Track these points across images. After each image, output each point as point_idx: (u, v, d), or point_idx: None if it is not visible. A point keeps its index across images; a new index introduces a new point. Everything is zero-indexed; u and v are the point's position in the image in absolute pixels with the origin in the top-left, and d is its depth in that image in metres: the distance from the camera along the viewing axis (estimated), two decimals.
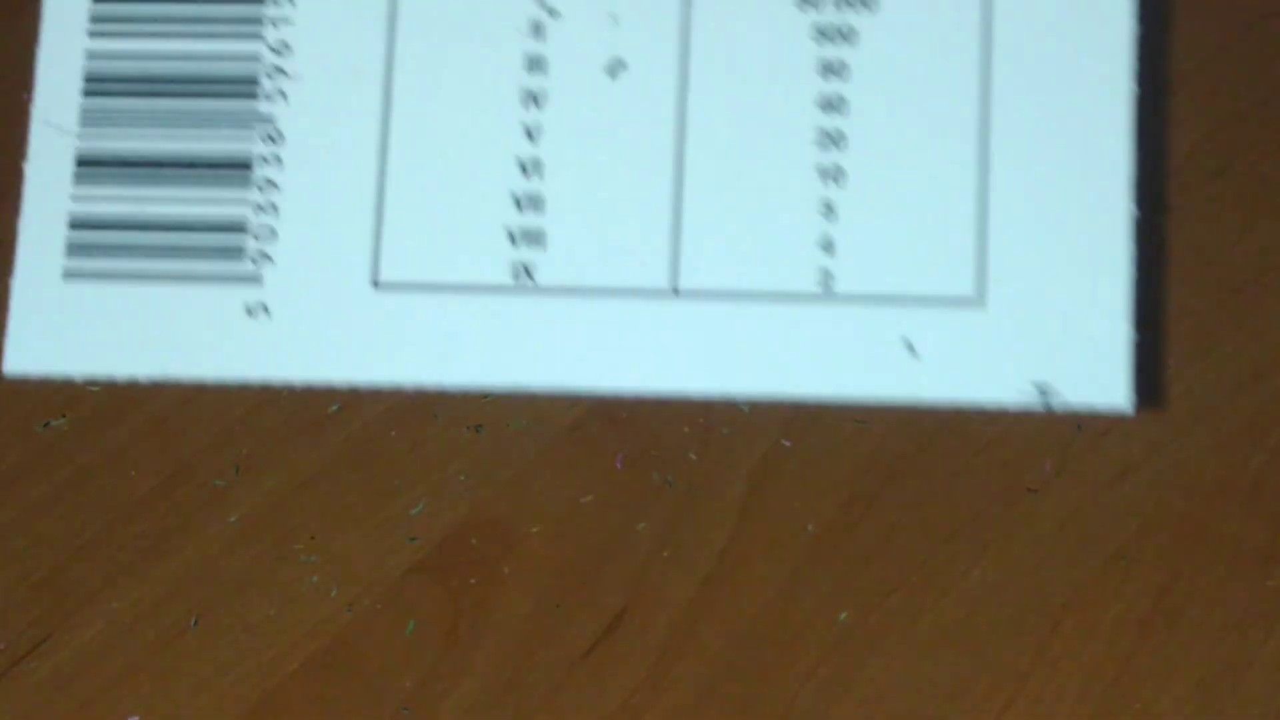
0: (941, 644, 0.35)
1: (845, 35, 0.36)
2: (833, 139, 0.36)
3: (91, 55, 0.38)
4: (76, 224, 0.37)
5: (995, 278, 0.35)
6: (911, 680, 0.35)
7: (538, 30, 0.37)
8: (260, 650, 0.37)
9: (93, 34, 0.38)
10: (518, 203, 0.37)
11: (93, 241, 0.37)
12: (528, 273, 0.36)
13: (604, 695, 0.36)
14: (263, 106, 0.37)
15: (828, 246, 0.36)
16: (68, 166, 0.37)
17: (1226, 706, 0.35)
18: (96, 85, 0.38)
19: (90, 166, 0.37)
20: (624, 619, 0.36)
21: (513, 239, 0.36)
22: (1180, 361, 0.35)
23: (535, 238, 0.36)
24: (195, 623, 0.37)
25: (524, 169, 0.37)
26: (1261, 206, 0.37)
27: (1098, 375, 0.35)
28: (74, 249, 0.37)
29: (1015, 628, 0.35)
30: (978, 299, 0.35)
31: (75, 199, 0.37)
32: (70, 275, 0.37)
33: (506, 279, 0.36)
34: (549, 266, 0.36)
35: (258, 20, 0.37)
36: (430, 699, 0.36)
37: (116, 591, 0.36)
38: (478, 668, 0.36)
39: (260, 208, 0.37)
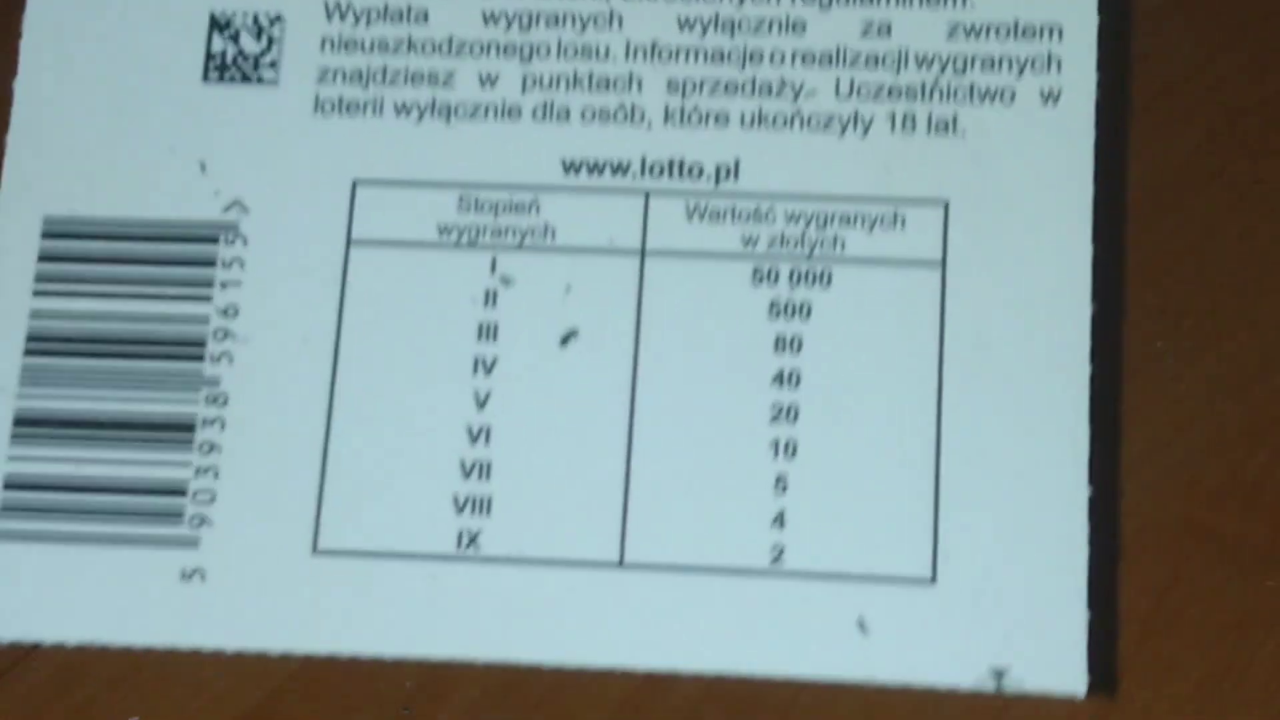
0: None
1: (800, 311, 0.36)
2: (786, 413, 0.36)
3: (35, 314, 0.37)
4: (11, 484, 0.36)
5: (949, 557, 0.35)
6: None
7: (490, 298, 0.37)
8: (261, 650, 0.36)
9: (38, 293, 0.37)
10: (465, 469, 0.36)
11: (27, 503, 0.36)
12: (472, 541, 0.35)
13: (604, 695, 0.35)
14: (208, 369, 0.37)
15: (779, 521, 0.35)
16: (4, 425, 0.37)
17: (1226, 706, 0.35)
18: (39, 344, 0.37)
19: (28, 426, 0.37)
20: None
21: (458, 506, 0.36)
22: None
23: (481, 505, 0.36)
24: None
25: (472, 436, 0.36)
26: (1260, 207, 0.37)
27: (1053, 660, 0.34)
28: (7, 509, 0.36)
29: None
30: (931, 579, 0.35)
31: (10, 459, 0.36)
32: (2, 536, 0.36)
33: (450, 547, 0.36)
34: (494, 535, 0.36)
35: (208, 283, 0.37)
36: (430, 699, 0.36)
37: None
38: (478, 668, 0.36)
39: (200, 470, 0.36)
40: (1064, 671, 0.34)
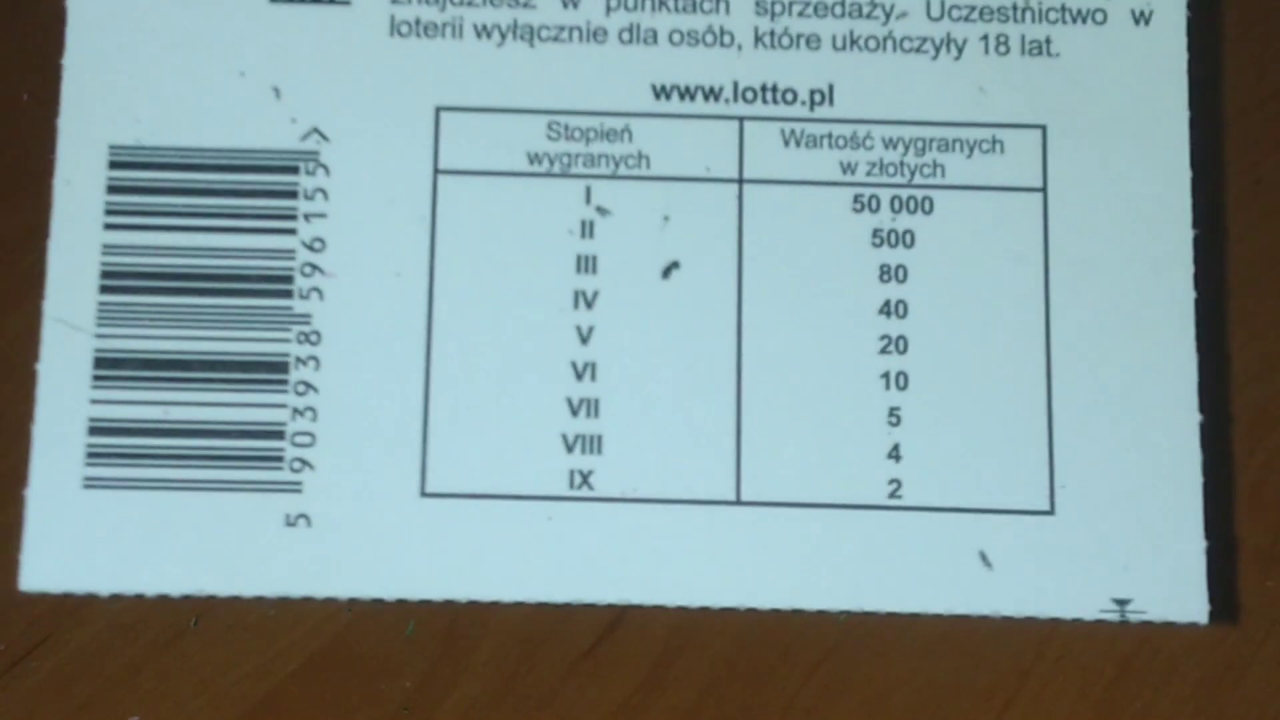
0: (941, 644, 0.35)
1: (903, 239, 0.36)
2: (895, 344, 0.35)
3: (108, 249, 0.35)
4: (97, 429, 0.35)
5: (1066, 488, 0.35)
6: (911, 680, 0.35)
7: (587, 229, 0.36)
8: (260, 650, 0.36)
9: (109, 226, 0.36)
10: (573, 408, 0.35)
11: (115, 448, 0.35)
12: (585, 480, 0.35)
13: (604, 695, 0.35)
14: (298, 305, 0.35)
15: (895, 455, 0.35)
16: (85, 367, 0.35)
17: (1226, 706, 0.35)
18: (115, 281, 0.35)
19: (110, 367, 0.35)
20: (624, 619, 0.36)
21: (568, 445, 0.35)
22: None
23: (592, 444, 0.35)
24: (195, 623, 0.36)
25: (577, 373, 0.35)
26: (1260, 207, 0.37)
27: (1174, 589, 0.35)
28: (94, 455, 0.35)
29: (1015, 627, 0.35)
30: (1050, 510, 0.35)
31: (94, 402, 0.35)
32: (91, 483, 0.35)
33: (563, 487, 0.35)
34: (607, 474, 0.35)
35: (291, 215, 0.36)
36: (430, 699, 0.36)
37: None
38: (478, 668, 0.36)
39: (298, 412, 0.35)
40: (1185, 600, 0.35)
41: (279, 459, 0.35)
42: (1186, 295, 0.36)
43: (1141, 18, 0.37)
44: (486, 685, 0.36)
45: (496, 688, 0.35)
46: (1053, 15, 0.37)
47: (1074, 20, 0.37)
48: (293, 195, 0.36)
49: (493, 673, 0.36)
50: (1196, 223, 0.36)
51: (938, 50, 0.37)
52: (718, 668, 0.35)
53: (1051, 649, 0.35)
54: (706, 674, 0.35)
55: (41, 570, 0.35)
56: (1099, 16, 0.37)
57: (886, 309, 0.36)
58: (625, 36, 0.37)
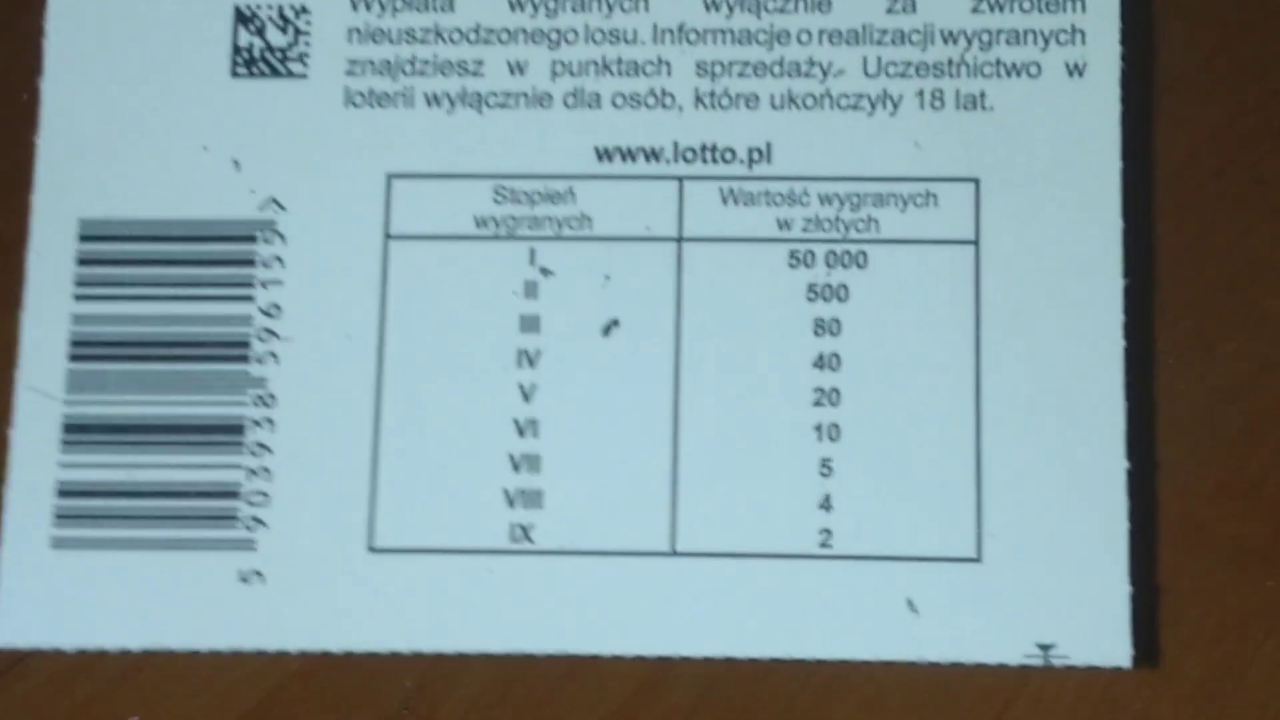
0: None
1: (837, 293, 0.37)
2: (828, 396, 0.36)
3: (77, 319, 0.37)
4: (65, 492, 0.37)
5: (993, 536, 0.36)
6: (912, 680, 0.36)
7: (531, 289, 0.37)
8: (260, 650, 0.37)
9: (79, 297, 0.37)
10: (514, 463, 0.36)
11: (82, 509, 0.37)
12: (526, 534, 0.36)
13: (604, 695, 0.36)
14: (254, 369, 0.37)
15: (826, 505, 0.36)
16: (54, 433, 0.37)
17: (1226, 706, 0.36)
18: (83, 349, 0.37)
19: (77, 432, 0.37)
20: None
21: (510, 500, 0.36)
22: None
23: (533, 499, 0.36)
24: None
25: (520, 429, 0.37)
26: (1261, 207, 0.38)
27: (1097, 634, 0.35)
28: (63, 517, 0.37)
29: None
30: (976, 558, 0.36)
31: (63, 466, 0.37)
32: (59, 544, 0.37)
33: (504, 541, 0.36)
34: (547, 528, 0.36)
35: (248, 282, 0.37)
36: (430, 699, 0.37)
37: None
38: (478, 668, 0.37)
39: (253, 472, 0.37)
40: (1109, 645, 0.35)
41: (234, 518, 0.37)
42: (1116, 346, 0.36)
43: (1075, 70, 0.38)
44: (486, 685, 0.37)
45: (496, 687, 0.37)
46: (987, 69, 0.38)
47: (1008, 74, 0.38)
48: (250, 263, 0.38)
49: (493, 673, 0.37)
50: (1127, 273, 0.36)
51: (874, 106, 0.38)
52: (718, 668, 0.36)
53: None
54: (707, 674, 0.36)
55: (11, 626, 0.36)
56: (1033, 70, 0.38)
57: (820, 362, 0.37)
58: (570, 101, 0.38)
